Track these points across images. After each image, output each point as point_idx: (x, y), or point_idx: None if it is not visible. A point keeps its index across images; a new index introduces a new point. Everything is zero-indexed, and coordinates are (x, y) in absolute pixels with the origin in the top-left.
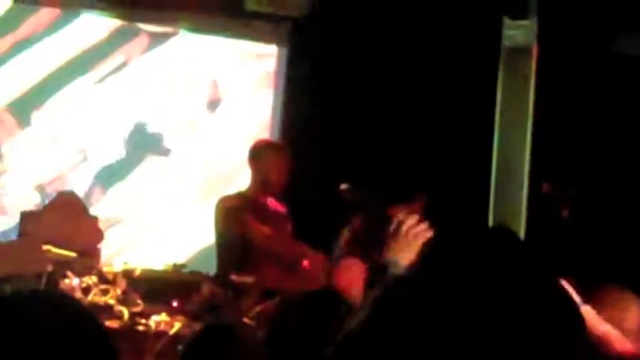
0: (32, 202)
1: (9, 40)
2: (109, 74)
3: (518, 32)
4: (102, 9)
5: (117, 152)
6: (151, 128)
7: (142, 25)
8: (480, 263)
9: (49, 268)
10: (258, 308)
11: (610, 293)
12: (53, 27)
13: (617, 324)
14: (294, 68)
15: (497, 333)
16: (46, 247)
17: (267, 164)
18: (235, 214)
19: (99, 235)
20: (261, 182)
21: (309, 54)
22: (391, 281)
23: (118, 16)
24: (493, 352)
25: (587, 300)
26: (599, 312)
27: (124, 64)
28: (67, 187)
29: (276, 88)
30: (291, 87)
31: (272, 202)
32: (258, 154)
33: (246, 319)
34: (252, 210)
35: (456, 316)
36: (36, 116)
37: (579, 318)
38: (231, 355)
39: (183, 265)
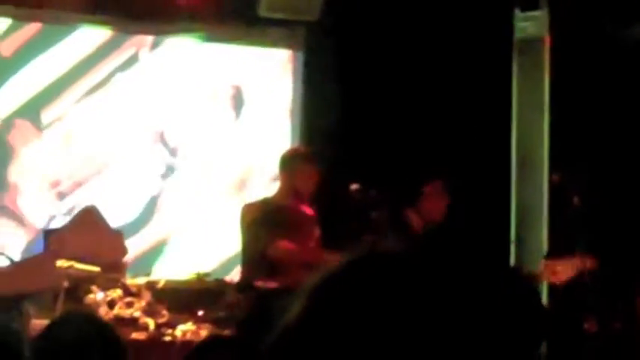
0: (48, 207)
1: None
2: (119, 82)
3: (530, 24)
4: (101, 22)
5: (137, 160)
6: (173, 136)
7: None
8: (425, 262)
9: (65, 284)
10: None
11: None
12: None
13: None
14: (310, 72)
15: (443, 330)
16: (69, 262)
17: (298, 174)
18: (257, 229)
19: (122, 250)
20: (290, 191)
21: (325, 57)
22: (327, 273)
23: (130, 31)
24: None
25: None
26: None
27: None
28: (84, 194)
29: (294, 92)
30: (309, 90)
31: (301, 207)
32: (289, 163)
33: None
34: (277, 218)
35: (393, 310)
36: (50, 120)
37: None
38: None
39: (206, 274)
